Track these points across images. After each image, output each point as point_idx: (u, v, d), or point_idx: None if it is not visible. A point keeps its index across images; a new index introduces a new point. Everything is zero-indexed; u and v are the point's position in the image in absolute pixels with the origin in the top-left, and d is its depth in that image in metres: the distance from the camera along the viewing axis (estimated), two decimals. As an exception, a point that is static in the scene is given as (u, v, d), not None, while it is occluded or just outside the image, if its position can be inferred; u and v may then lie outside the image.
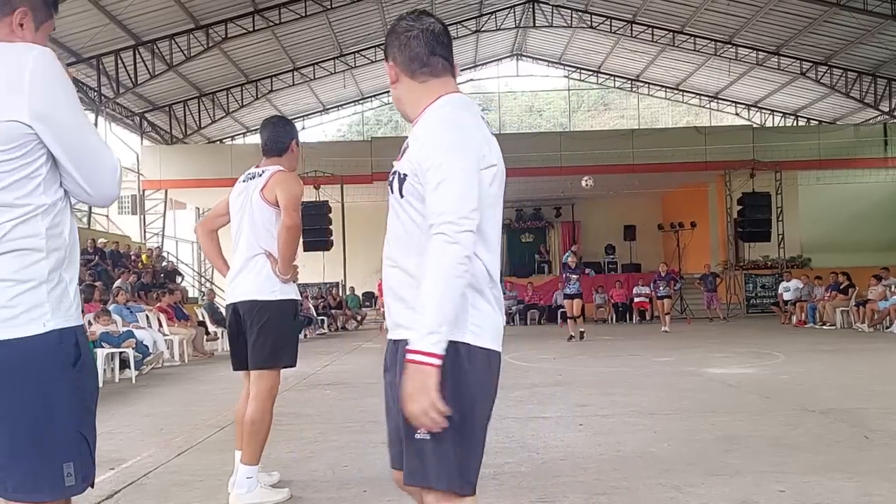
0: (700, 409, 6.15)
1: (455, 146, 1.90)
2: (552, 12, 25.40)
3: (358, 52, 25.91)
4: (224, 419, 6.17)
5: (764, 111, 30.57)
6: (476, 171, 1.91)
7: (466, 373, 1.93)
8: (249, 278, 3.80)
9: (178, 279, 20.27)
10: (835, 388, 7.12)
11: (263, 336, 3.74)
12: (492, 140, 2.00)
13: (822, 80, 25.09)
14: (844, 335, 14.70)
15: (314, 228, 22.73)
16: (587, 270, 14.34)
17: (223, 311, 19.91)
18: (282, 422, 5.88)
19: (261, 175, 3.88)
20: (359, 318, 22.93)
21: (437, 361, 1.82)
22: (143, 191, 25.34)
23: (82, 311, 2.17)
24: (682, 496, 3.64)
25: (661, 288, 17.39)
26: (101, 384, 9.03)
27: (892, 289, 15.91)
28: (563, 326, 20.70)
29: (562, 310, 20.57)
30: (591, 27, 25.55)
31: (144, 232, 25.28)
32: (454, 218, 1.84)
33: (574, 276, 14.52)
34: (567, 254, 15.28)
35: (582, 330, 14.70)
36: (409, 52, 2.08)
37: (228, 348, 4.03)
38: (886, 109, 25.44)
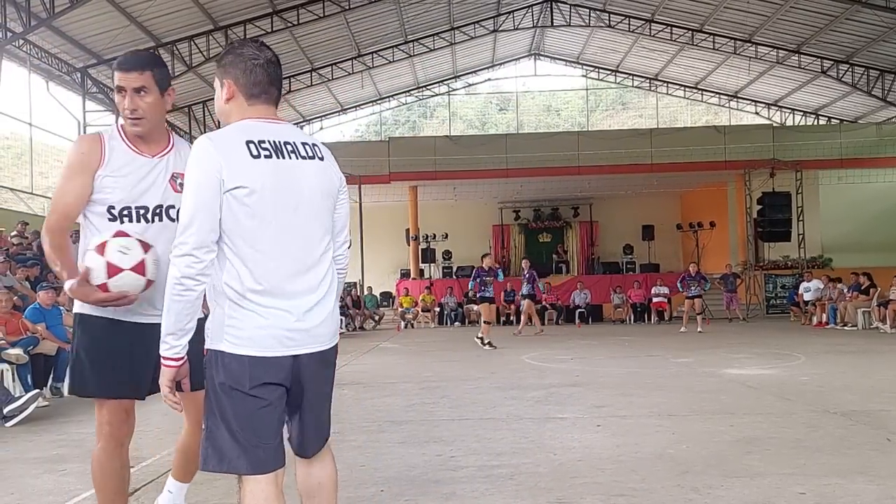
0: (719, 410, 6.11)
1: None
2: (570, 11, 25.32)
3: (375, 52, 25.96)
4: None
5: (784, 110, 30.32)
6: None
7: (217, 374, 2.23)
8: None
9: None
10: (856, 390, 7.04)
11: None
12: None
13: (843, 79, 24.85)
14: (866, 336, 14.55)
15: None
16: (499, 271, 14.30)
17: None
18: (300, 421, 5.91)
19: None
20: (377, 317, 22.98)
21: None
22: (163, 191, 25.50)
23: None
24: (700, 498, 3.62)
25: (693, 288, 17.26)
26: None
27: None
28: (581, 326, 20.69)
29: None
30: (610, 26, 25.45)
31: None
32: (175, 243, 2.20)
33: (489, 279, 14.12)
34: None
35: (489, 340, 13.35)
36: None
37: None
38: (909, 108, 25.17)
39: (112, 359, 2.82)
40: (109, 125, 21.74)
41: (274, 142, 2.26)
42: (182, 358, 2.27)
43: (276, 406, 2.28)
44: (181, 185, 2.63)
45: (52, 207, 2.83)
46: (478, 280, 14.02)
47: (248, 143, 2.22)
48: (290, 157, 2.27)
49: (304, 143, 2.34)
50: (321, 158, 2.38)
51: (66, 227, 2.81)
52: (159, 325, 2.28)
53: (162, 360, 2.27)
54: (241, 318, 2.20)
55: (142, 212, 2.83)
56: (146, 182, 2.84)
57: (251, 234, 2.20)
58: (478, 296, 14.60)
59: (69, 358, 3.03)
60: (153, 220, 2.84)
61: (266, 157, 2.22)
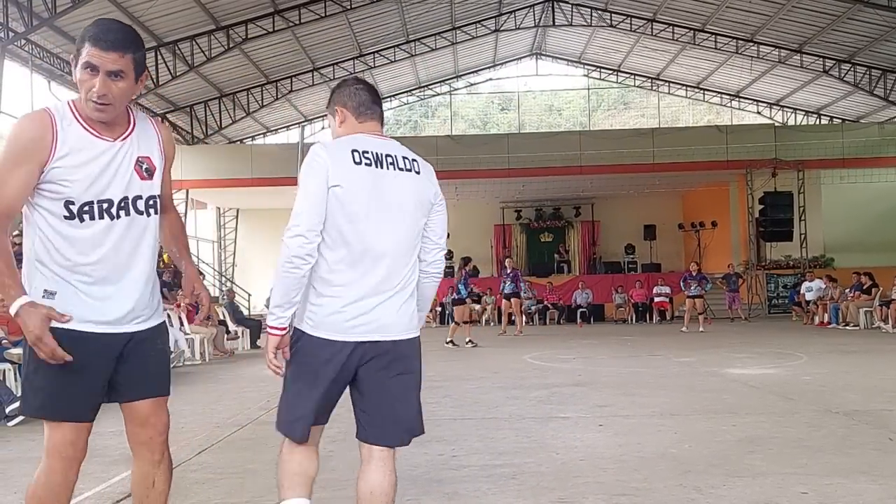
0: (722, 410, 6.11)
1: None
2: (572, 11, 25.31)
3: (377, 52, 25.96)
4: (245, 417, 6.21)
5: (786, 109, 30.29)
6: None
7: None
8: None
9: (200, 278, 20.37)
10: (858, 390, 7.03)
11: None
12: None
13: (845, 78, 24.82)
14: (868, 336, 14.54)
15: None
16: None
17: (244, 310, 20.09)
18: (302, 421, 5.91)
19: None
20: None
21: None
22: (165, 191, 25.52)
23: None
24: (703, 497, 3.62)
25: (693, 287, 17.25)
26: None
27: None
28: (583, 326, 20.69)
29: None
30: (611, 26, 25.43)
31: (166, 232, 25.45)
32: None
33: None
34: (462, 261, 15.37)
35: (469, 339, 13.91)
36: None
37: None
38: (911, 107, 25.14)
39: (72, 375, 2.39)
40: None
41: (375, 153, 2.61)
42: (285, 328, 2.55)
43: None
44: (147, 171, 2.47)
45: None
46: (463, 283, 14.33)
47: (353, 151, 2.57)
48: (388, 168, 2.61)
49: (404, 158, 2.68)
50: (418, 172, 2.68)
51: (6, 225, 2.38)
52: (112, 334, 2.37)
53: (268, 330, 2.55)
54: (320, 305, 2.56)
55: (105, 206, 2.39)
56: (109, 171, 2.39)
57: (343, 228, 2.53)
58: (455, 297, 14.79)
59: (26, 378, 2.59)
60: (118, 216, 2.41)
61: (366, 164, 2.56)
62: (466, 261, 15.27)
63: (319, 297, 2.54)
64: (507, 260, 17.53)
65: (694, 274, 17.44)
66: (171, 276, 17.12)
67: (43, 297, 2.39)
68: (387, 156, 2.62)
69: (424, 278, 2.77)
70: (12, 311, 2.28)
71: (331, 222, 2.51)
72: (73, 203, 2.36)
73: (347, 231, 2.52)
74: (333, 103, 2.76)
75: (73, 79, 2.41)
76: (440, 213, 2.78)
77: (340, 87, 2.79)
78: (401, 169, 2.64)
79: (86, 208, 2.38)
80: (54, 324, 2.28)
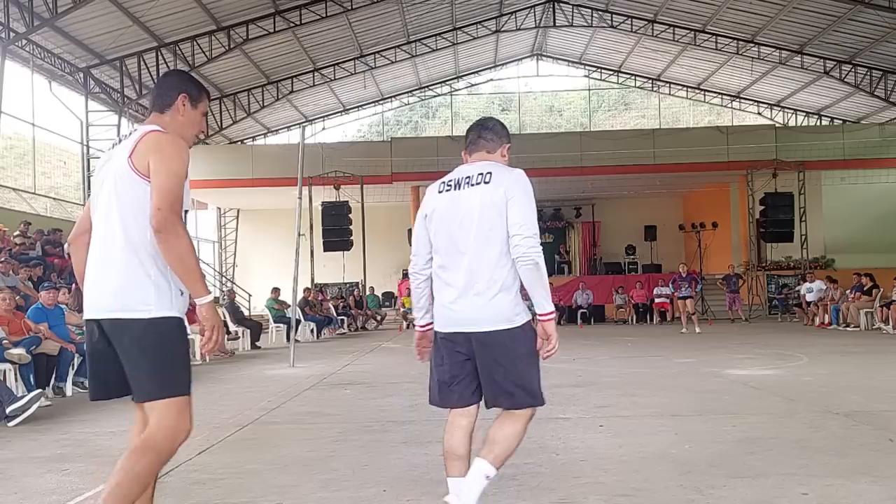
0: (722, 410, 6.10)
1: None
2: (572, 12, 25.32)
3: (378, 52, 25.98)
4: (245, 418, 6.21)
5: (787, 110, 30.30)
6: None
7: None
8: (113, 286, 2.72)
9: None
10: (859, 391, 7.03)
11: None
12: None
13: (846, 79, 24.83)
14: (868, 337, 14.53)
15: (335, 228, 22.83)
16: None
17: (244, 310, 20.09)
18: (303, 421, 5.92)
19: (129, 136, 2.86)
20: (378, 317, 22.97)
21: None
22: (165, 191, 25.53)
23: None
24: (703, 498, 3.61)
25: (683, 289, 17.23)
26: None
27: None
28: (584, 327, 20.68)
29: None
30: (612, 26, 25.45)
31: (166, 232, 25.46)
32: None
33: None
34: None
35: None
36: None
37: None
38: (912, 108, 25.14)
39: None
40: (112, 125, 21.80)
41: (456, 179, 3.19)
42: (424, 326, 3.31)
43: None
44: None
45: (173, 204, 2.66)
46: None
47: (441, 183, 3.25)
48: (464, 188, 3.14)
49: (479, 173, 3.15)
50: (487, 182, 3.09)
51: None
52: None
53: (549, 317, 3.05)
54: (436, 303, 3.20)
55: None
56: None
57: (438, 243, 3.17)
58: None
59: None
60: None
61: (447, 191, 3.19)
62: None
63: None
64: None
65: (684, 275, 17.41)
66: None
67: (181, 294, 2.76)
68: (466, 178, 3.17)
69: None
70: (201, 303, 2.69)
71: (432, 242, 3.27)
72: (186, 211, 2.81)
73: (437, 248, 3.27)
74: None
75: (177, 110, 2.98)
76: (512, 205, 3.06)
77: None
78: (473, 185, 3.13)
79: (185, 216, 2.79)
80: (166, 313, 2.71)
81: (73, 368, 8.37)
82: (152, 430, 2.70)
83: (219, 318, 2.77)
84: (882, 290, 16.84)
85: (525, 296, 3.03)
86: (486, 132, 3.29)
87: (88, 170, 21.55)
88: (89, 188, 21.62)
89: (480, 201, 3.06)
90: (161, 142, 2.75)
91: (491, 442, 3.11)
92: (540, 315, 3.06)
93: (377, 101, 31.68)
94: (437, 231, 3.16)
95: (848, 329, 16.69)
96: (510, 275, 3.03)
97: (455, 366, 3.12)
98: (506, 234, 3.02)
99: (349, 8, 21.35)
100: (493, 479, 3.14)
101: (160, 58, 20.72)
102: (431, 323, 3.23)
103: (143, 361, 2.68)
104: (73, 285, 11.15)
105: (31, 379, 7.59)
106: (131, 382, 2.72)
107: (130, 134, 2.84)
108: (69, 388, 8.22)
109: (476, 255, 3.03)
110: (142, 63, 20.79)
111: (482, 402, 3.16)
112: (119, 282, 2.68)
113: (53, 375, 8.08)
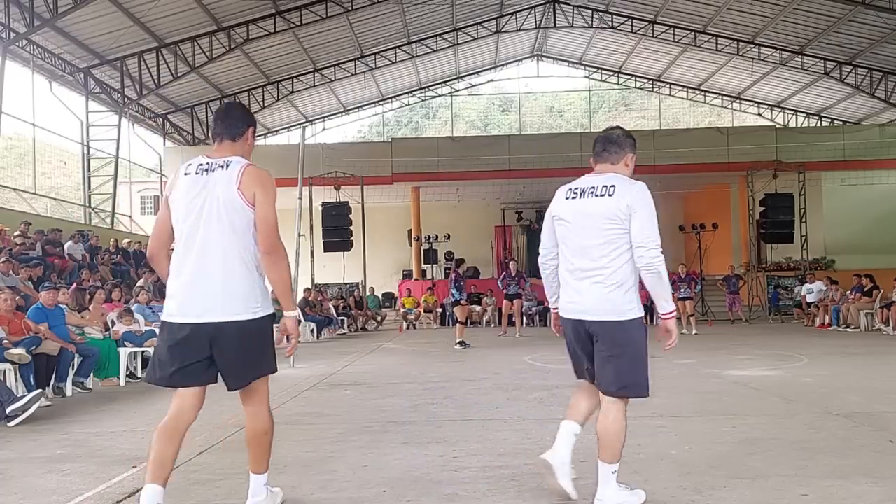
0: (722, 411, 6.10)
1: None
2: (573, 13, 25.33)
3: (378, 53, 25.99)
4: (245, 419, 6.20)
5: (787, 111, 30.31)
6: None
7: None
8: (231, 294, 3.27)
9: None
10: (859, 392, 7.03)
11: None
12: None
13: (846, 80, 24.84)
14: (868, 338, 14.52)
15: (335, 229, 22.82)
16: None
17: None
18: (302, 422, 5.91)
19: (225, 167, 3.30)
20: (379, 318, 22.98)
21: None
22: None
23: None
24: (703, 499, 3.62)
25: (682, 290, 17.22)
26: (122, 383, 9.13)
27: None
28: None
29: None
30: (612, 27, 25.46)
31: (167, 232, 25.46)
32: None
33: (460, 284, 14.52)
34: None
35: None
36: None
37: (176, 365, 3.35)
38: (912, 109, 25.14)
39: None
40: (113, 125, 21.79)
41: (582, 188, 3.59)
42: (555, 308, 3.83)
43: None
44: None
45: (277, 230, 3.31)
46: (458, 285, 14.29)
47: (568, 189, 3.65)
48: (588, 197, 3.54)
49: (603, 185, 3.54)
50: (610, 195, 3.47)
51: None
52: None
53: (670, 316, 3.69)
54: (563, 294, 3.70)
55: None
56: None
57: (564, 243, 3.65)
58: (452, 300, 14.69)
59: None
60: None
61: (573, 198, 3.60)
62: (458, 263, 15.26)
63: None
64: (511, 263, 17.45)
65: (682, 276, 17.41)
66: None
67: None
68: (591, 188, 3.55)
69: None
70: (289, 316, 3.41)
71: (559, 241, 3.76)
72: None
73: (566, 246, 3.74)
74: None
75: (246, 139, 3.48)
76: (635, 219, 3.46)
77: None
78: (597, 196, 3.52)
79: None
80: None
81: (73, 369, 8.38)
82: (262, 398, 3.51)
83: (298, 329, 3.46)
84: (882, 291, 16.84)
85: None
86: (610, 145, 3.63)
87: (89, 170, 21.57)
88: (90, 188, 21.53)
89: (602, 212, 3.47)
90: (262, 177, 3.32)
91: (573, 408, 3.88)
92: (662, 315, 3.58)
93: (377, 101, 31.70)
94: (564, 235, 3.64)
95: (848, 330, 16.69)
96: (624, 275, 3.47)
97: (579, 346, 3.68)
98: (622, 242, 3.45)
99: (350, 8, 21.36)
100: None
101: (161, 58, 20.73)
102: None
103: (256, 348, 3.32)
104: (73, 285, 11.17)
105: (31, 379, 7.58)
106: (235, 369, 3.36)
107: (225, 165, 3.29)
108: (69, 389, 8.22)
109: (596, 259, 3.48)
110: (142, 63, 20.80)
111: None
112: (243, 290, 3.25)
113: (53, 376, 8.08)
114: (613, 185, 3.50)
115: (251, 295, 3.26)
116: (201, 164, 3.31)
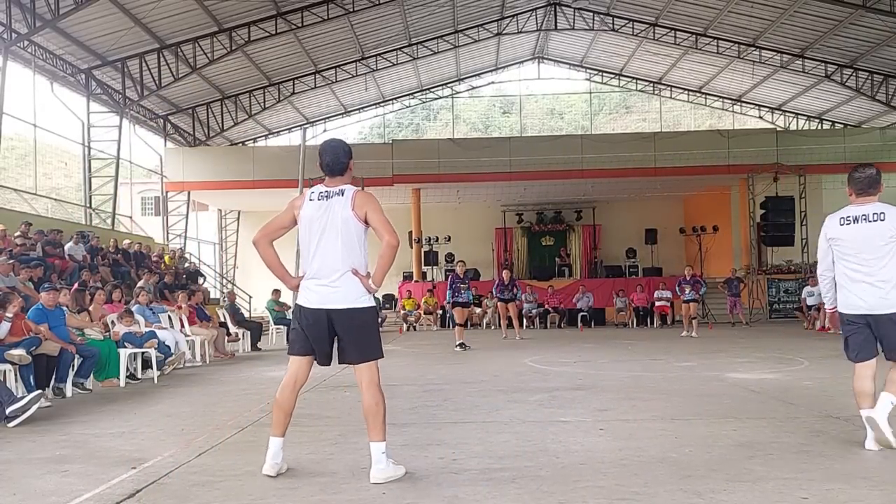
0: (722, 414, 6.10)
1: None
2: (574, 15, 25.33)
3: (379, 54, 25.99)
4: (245, 420, 6.20)
5: (788, 114, 30.30)
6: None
7: None
8: (346, 288, 4.25)
9: (200, 280, 20.40)
10: (859, 395, 7.01)
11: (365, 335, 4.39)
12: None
13: (847, 83, 24.84)
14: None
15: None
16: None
17: (244, 312, 20.06)
18: (302, 423, 5.90)
19: (341, 194, 4.27)
20: (379, 319, 22.94)
21: None
22: (166, 192, 25.58)
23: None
24: (703, 502, 3.61)
25: (688, 291, 17.22)
26: (122, 384, 9.13)
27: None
28: (584, 330, 20.68)
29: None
30: (614, 30, 25.45)
31: (167, 233, 25.51)
32: None
33: (463, 286, 14.48)
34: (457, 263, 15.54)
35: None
36: None
37: (302, 342, 4.36)
38: (913, 112, 25.13)
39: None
40: (114, 126, 21.79)
41: (855, 216, 4.73)
42: (832, 308, 5.03)
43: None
44: None
45: (395, 232, 4.22)
46: (453, 287, 14.29)
47: (840, 218, 4.80)
48: (862, 223, 4.69)
49: (874, 213, 4.67)
50: (882, 220, 4.61)
51: None
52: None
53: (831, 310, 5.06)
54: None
55: None
56: None
57: (843, 261, 4.82)
58: (452, 301, 14.66)
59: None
60: None
61: (847, 224, 4.75)
62: (456, 264, 15.25)
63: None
64: (504, 272, 17.35)
65: (688, 278, 17.41)
66: (172, 279, 17.14)
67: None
68: (863, 215, 4.69)
69: None
70: (377, 289, 4.40)
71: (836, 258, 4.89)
72: None
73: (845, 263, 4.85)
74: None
75: (349, 170, 4.45)
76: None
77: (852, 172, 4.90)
78: (870, 221, 4.66)
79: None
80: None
81: (73, 369, 8.37)
82: (373, 377, 4.36)
83: (373, 288, 4.33)
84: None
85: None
86: (875, 183, 4.76)
87: (90, 171, 21.57)
88: (90, 189, 21.51)
89: (877, 234, 4.62)
90: (368, 198, 4.28)
91: (891, 382, 4.78)
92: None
93: (378, 103, 31.69)
94: (845, 252, 4.75)
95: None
96: None
97: (860, 334, 4.79)
98: (893, 256, 4.60)
99: (351, 10, 21.36)
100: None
101: (162, 59, 20.74)
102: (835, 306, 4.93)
103: (367, 332, 4.32)
104: (73, 286, 11.15)
105: (31, 380, 7.58)
106: (355, 348, 4.30)
107: (341, 193, 4.27)
108: (69, 389, 8.22)
109: (877, 269, 4.63)
110: (143, 64, 20.81)
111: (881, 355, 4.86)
112: (356, 286, 4.22)
113: (53, 376, 8.07)
114: (883, 213, 4.65)
115: (359, 290, 4.23)
116: (322, 192, 4.29)
